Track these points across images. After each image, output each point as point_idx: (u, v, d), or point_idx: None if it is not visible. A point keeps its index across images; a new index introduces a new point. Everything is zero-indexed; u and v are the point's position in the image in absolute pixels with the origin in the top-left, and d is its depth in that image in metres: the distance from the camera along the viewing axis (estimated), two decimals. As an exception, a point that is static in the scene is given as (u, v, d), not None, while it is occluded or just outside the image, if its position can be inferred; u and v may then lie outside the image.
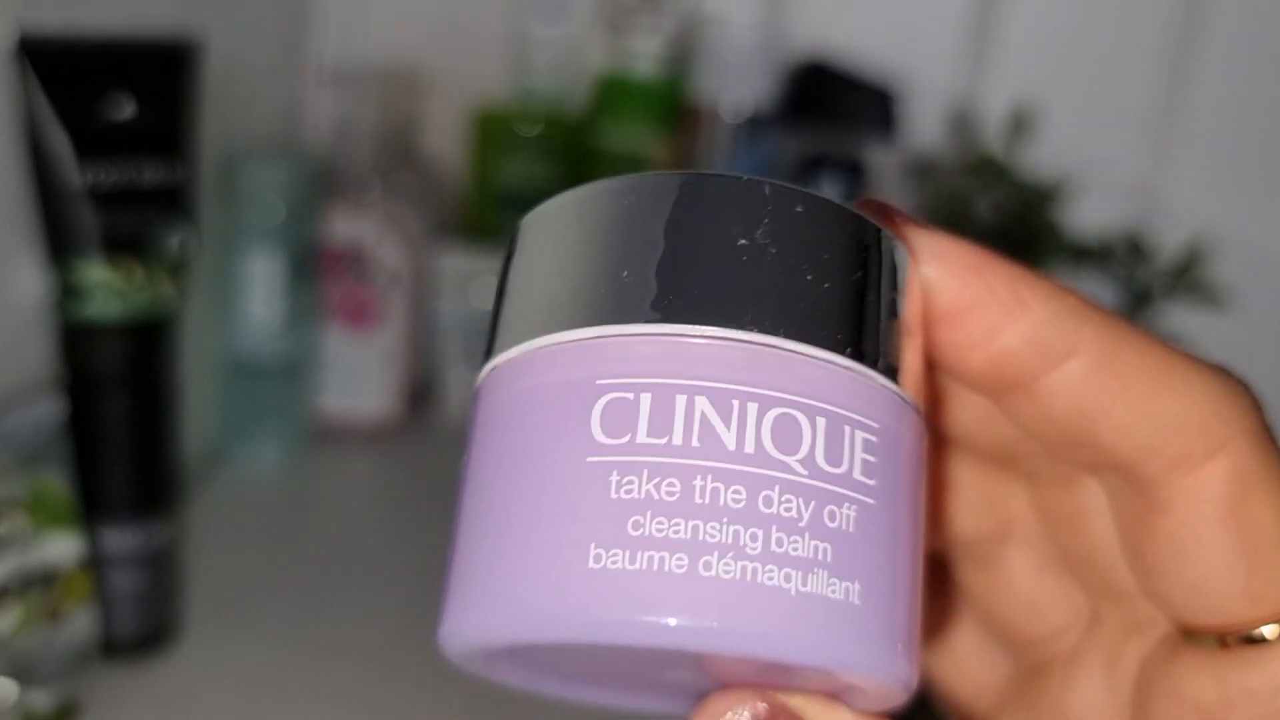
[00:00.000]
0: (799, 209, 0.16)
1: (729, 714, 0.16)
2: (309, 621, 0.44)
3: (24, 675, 0.35)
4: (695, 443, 0.15)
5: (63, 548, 0.36)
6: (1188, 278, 0.55)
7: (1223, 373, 0.17)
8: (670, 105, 0.62)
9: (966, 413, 0.19)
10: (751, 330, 0.15)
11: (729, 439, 0.15)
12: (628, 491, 0.15)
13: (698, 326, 0.15)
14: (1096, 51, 0.65)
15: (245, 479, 0.55)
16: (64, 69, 0.36)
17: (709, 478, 0.15)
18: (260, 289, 0.53)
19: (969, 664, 0.22)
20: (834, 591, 0.15)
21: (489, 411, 0.17)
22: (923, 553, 0.17)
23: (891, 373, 0.16)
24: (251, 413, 0.55)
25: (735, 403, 0.15)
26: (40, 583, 0.35)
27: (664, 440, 0.15)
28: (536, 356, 0.16)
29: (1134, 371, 0.17)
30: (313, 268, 0.56)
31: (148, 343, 0.39)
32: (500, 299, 0.17)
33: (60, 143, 0.36)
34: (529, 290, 0.17)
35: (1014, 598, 0.21)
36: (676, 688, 0.17)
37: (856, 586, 0.15)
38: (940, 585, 0.22)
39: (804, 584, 0.14)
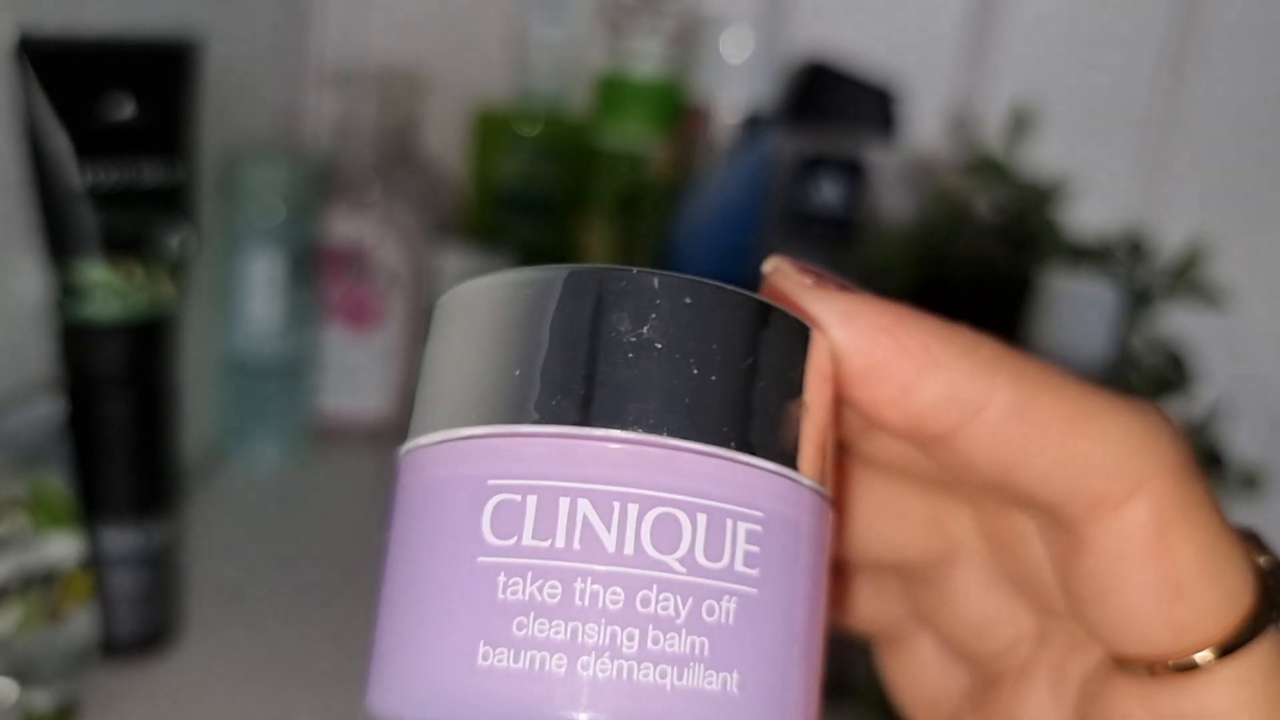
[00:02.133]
0: (687, 300, 0.16)
1: None
2: (309, 621, 0.44)
3: (24, 675, 0.35)
4: (576, 545, 0.15)
5: (63, 548, 0.36)
6: (1187, 278, 0.55)
7: (1142, 410, 0.17)
8: (670, 105, 0.62)
9: (901, 445, 0.20)
10: (635, 429, 0.16)
11: (609, 541, 0.15)
12: (513, 593, 0.15)
13: (583, 427, 0.16)
14: (1096, 52, 0.65)
15: (245, 479, 0.55)
16: (64, 69, 0.36)
17: (589, 580, 0.15)
18: (260, 289, 0.53)
19: (929, 675, 0.22)
20: (710, 683, 0.15)
21: (402, 495, 0.17)
22: (823, 625, 0.17)
23: (781, 456, 0.16)
24: (251, 413, 0.55)
25: (616, 504, 0.15)
26: (40, 583, 0.35)
27: (547, 543, 0.15)
28: (441, 449, 0.17)
29: (1049, 417, 0.17)
30: (313, 268, 0.56)
31: (148, 343, 0.39)
32: (420, 381, 0.18)
33: (60, 143, 0.36)
34: (438, 377, 0.18)
35: (964, 616, 0.21)
36: None
37: (735, 676, 0.15)
38: (896, 597, 0.22)
39: (679, 678, 0.15)
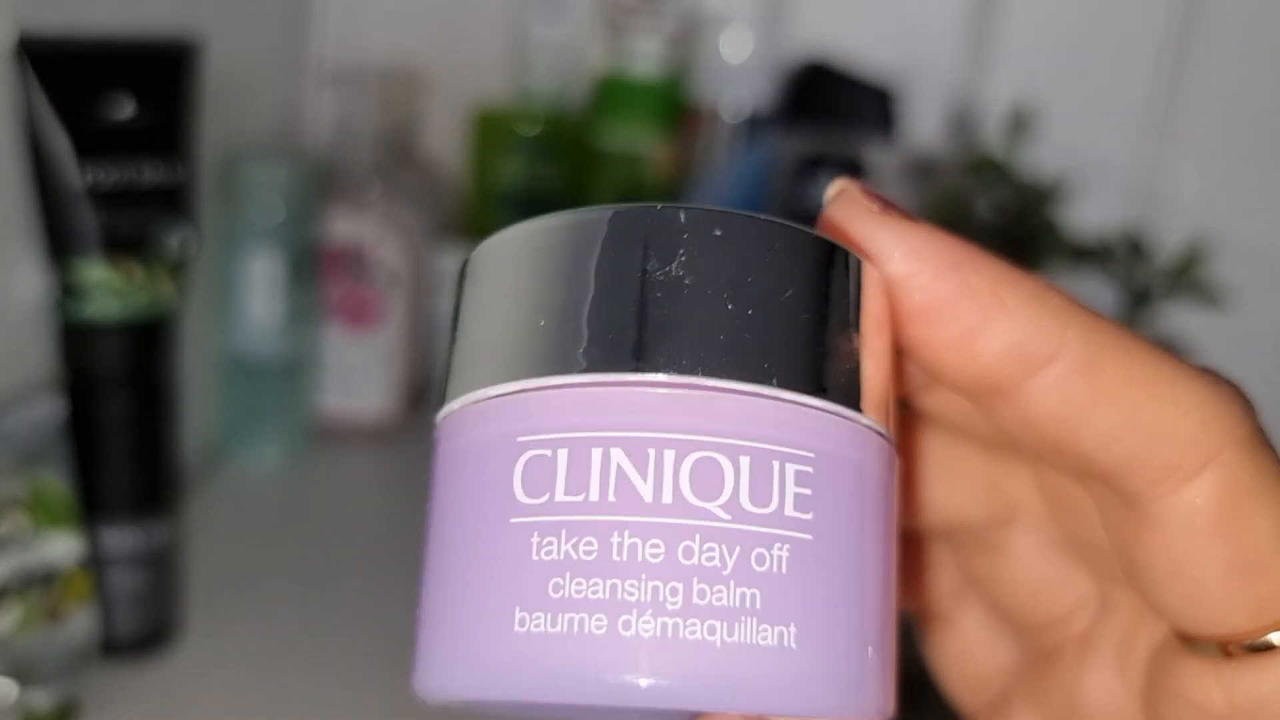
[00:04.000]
0: (717, 232, 0.15)
1: None
2: (309, 621, 0.44)
3: (24, 675, 0.35)
4: (611, 498, 0.14)
5: (63, 547, 0.36)
6: (1187, 278, 0.55)
7: (1214, 378, 0.16)
8: (670, 105, 0.62)
9: (962, 401, 0.19)
10: (667, 371, 0.15)
11: (645, 491, 0.14)
12: (548, 553, 0.14)
13: (613, 374, 0.15)
14: (1096, 51, 0.65)
15: (245, 479, 0.55)
16: (64, 69, 0.36)
17: (626, 533, 0.14)
18: (260, 289, 0.53)
19: (975, 651, 0.21)
20: (765, 638, 0.14)
21: (438, 464, 0.17)
22: (893, 573, 0.16)
23: (836, 394, 0.15)
24: (251, 412, 0.55)
25: (651, 452, 0.14)
26: (40, 582, 0.35)
27: (581, 497, 0.14)
28: (471, 411, 0.16)
29: (1120, 378, 0.16)
30: (313, 268, 0.56)
31: (148, 342, 0.39)
32: (451, 342, 0.17)
33: (60, 142, 0.36)
34: (469, 337, 0.17)
35: (1021, 581, 0.20)
36: (661, 716, 0.17)
37: (792, 629, 0.14)
38: (944, 572, 0.22)
39: (730, 634, 0.14)
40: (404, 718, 0.40)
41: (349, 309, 0.59)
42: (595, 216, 0.16)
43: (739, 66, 0.62)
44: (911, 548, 0.22)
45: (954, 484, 0.20)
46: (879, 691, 0.15)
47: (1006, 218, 0.56)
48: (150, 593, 0.40)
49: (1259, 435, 0.16)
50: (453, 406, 0.16)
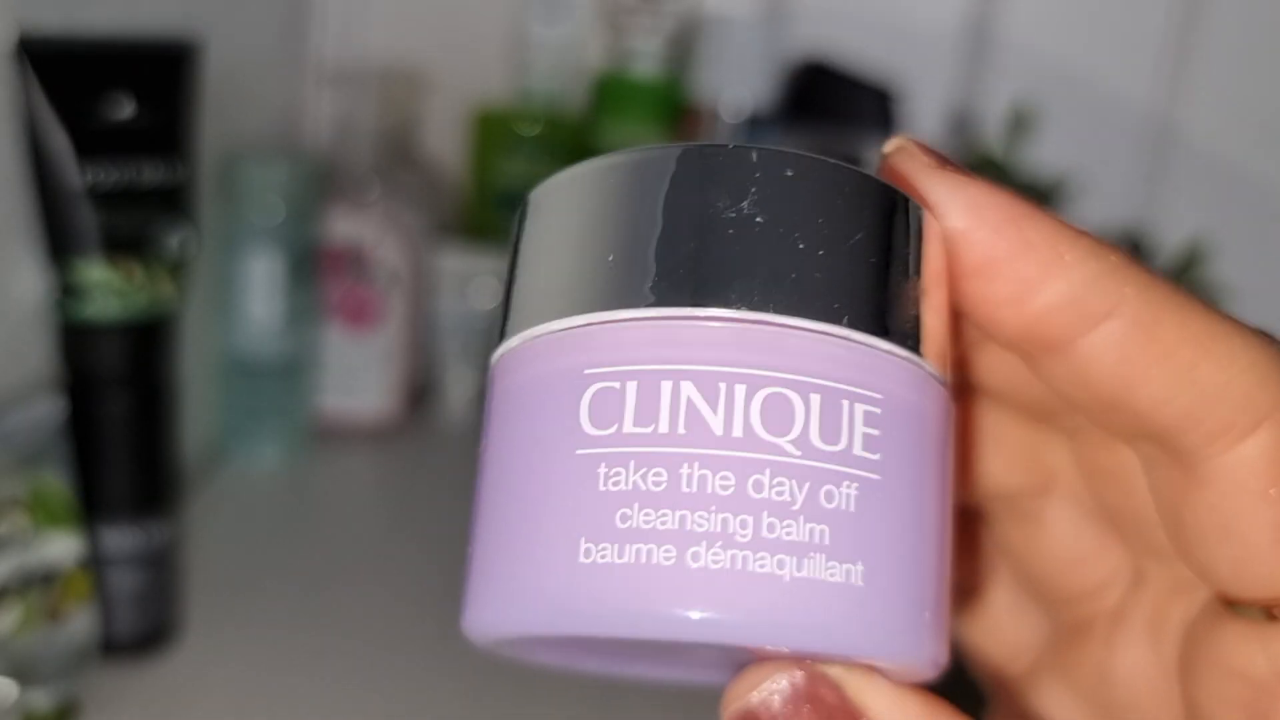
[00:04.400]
0: (789, 173, 0.15)
1: (767, 683, 0.15)
2: (309, 621, 0.44)
3: (24, 675, 0.35)
4: (681, 430, 0.14)
5: (63, 547, 0.36)
6: (1187, 278, 0.55)
7: (1268, 339, 0.16)
8: (670, 105, 0.62)
9: (1004, 366, 0.19)
10: (738, 307, 0.15)
11: (716, 424, 0.14)
12: (615, 483, 0.14)
13: (683, 308, 0.15)
14: (1096, 51, 0.65)
15: (245, 479, 0.55)
16: (64, 69, 0.36)
17: (695, 465, 0.14)
18: (260, 289, 0.53)
19: (1005, 625, 0.21)
20: (833, 574, 0.14)
21: (495, 400, 0.16)
22: (950, 522, 0.16)
23: (902, 338, 0.15)
24: (251, 412, 0.55)
25: (722, 385, 0.14)
26: (40, 582, 0.35)
27: (650, 429, 0.14)
28: (533, 346, 0.16)
29: (1176, 336, 0.16)
30: (313, 268, 0.56)
31: (148, 342, 0.39)
32: (509, 281, 0.17)
33: (60, 142, 0.36)
34: (529, 274, 0.17)
35: (1054, 552, 0.20)
36: (716, 659, 0.17)
37: (859, 568, 0.14)
38: (973, 544, 0.21)
39: (799, 569, 0.14)
40: (404, 717, 0.40)
41: (349, 309, 0.59)
42: (662, 153, 0.16)
43: (739, 66, 0.62)
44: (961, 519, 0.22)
45: (993, 452, 0.20)
46: (935, 641, 0.15)
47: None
48: (150, 593, 0.40)
49: None
50: (512, 344, 0.16)
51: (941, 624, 0.16)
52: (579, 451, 0.15)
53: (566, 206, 0.16)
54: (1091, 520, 0.20)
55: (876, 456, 0.15)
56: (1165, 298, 0.16)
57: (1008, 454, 0.20)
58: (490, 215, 0.65)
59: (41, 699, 0.35)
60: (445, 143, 0.67)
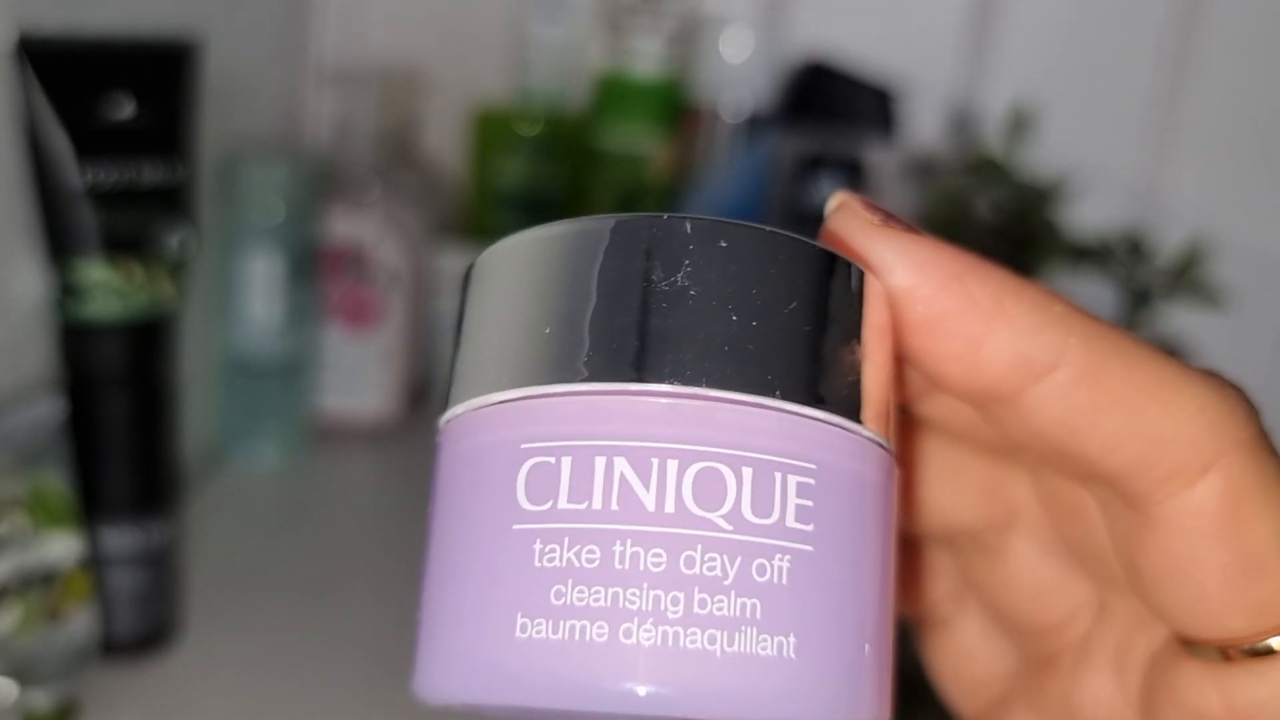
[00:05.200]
0: (723, 244, 0.15)
1: None
2: (309, 621, 0.44)
3: (24, 675, 0.35)
4: (614, 506, 0.14)
5: (63, 547, 0.36)
6: (1187, 277, 0.55)
7: (1217, 382, 0.17)
8: (670, 105, 0.62)
9: (963, 408, 0.19)
10: (671, 381, 0.15)
11: (648, 500, 0.14)
12: (550, 560, 0.14)
13: (617, 383, 0.15)
14: (1096, 51, 0.65)
15: (245, 479, 0.55)
16: (64, 69, 0.36)
17: (628, 542, 0.14)
18: (260, 289, 0.53)
19: (974, 656, 0.22)
20: (765, 648, 0.14)
21: (440, 466, 0.17)
22: (892, 582, 0.16)
23: (838, 405, 0.15)
24: (251, 412, 0.55)
25: (655, 461, 0.15)
26: (40, 582, 0.35)
27: (584, 505, 0.15)
28: (475, 416, 0.16)
29: (1122, 384, 0.16)
30: (313, 268, 0.56)
31: (148, 342, 0.39)
32: (454, 346, 0.17)
33: (60, 142, 0.36)
34: (474, 342, 0.17)
35: (1019, 586, 0.20)
36: None
37: (792, 639, 0.14)
38: (942, 576, 0.22)
39: (730, 644, 0.14)
40: (403, 715, 0.40)
41: (349, 309, 0.59)
42: (598, 225, 0.16)
43: (739, 66, 0.62)
44: (912, 553, 0.22)
45: (954, 488, 0.20)
46: (875, 703, 0.15)
47: (1006, 218, 0.56)
48: (150, 593, 0.40)
49: (1262, 439, 0.16)
50: (456, 411, 0.16)
51: (882, 685, 0.16)
52: (515, 527, 0.15)
53: (508, 275, 0.17)
54: (1055, 554, 0.20)
55: (810, 527, 0.15)
56: (1111, 346, 0.16)
57: (970, 490, 0.20)
58: (490, 215, 0.65)
59: (41, 699, 0.35)
60: (445, 143, 0.67)
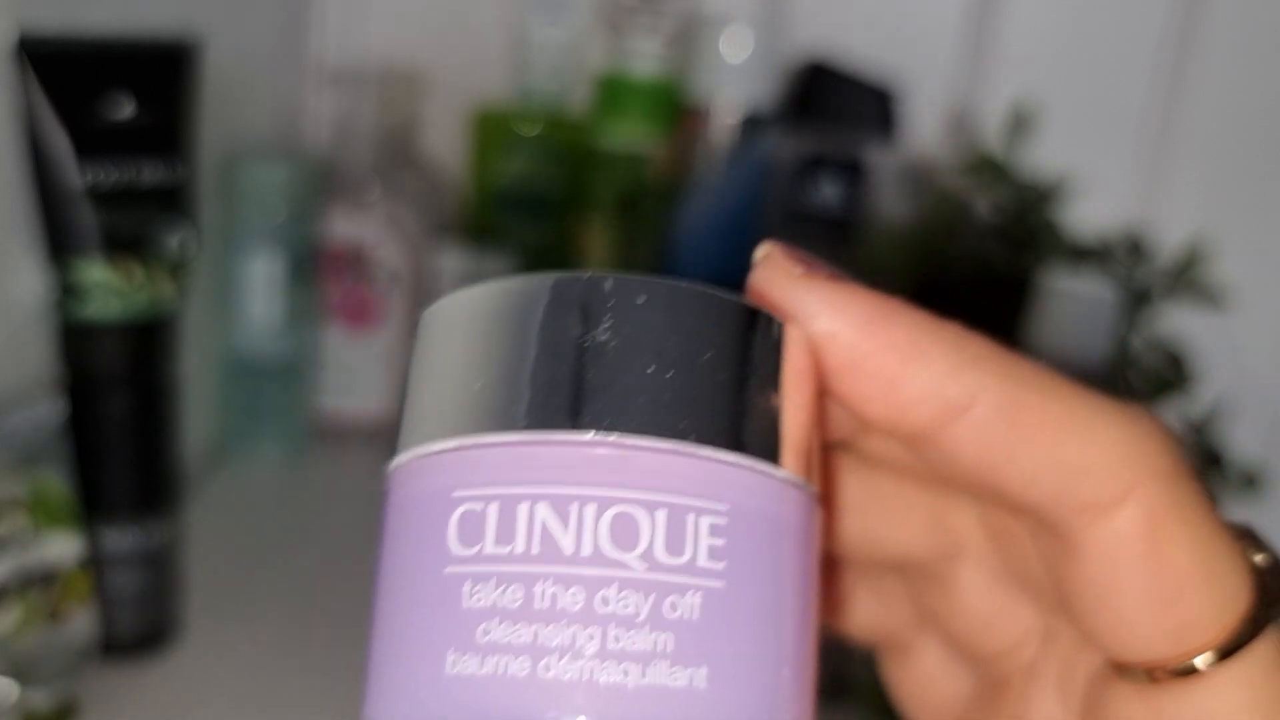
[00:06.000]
0: (641, 300, 0.16)
1: None
2: (309, 621, 0.44)
3: (24, 675, 0.35)
4: (535, 549, 0.15)
5: (63, 547, 0.36)
6: (1187, 278, 0.55)
7: (1133, 414, 0.17)
8: (670, 105, 0.62)
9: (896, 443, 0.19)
10: (589, 430, 0.16)
11: (567, 543, 0.15)
12: (478, 600, 0.15)
13: (540, 432, 0.16)
14: (1096, 52, 0.65)
15: (245, 479, 0.55)
16: (64, 69, 0.36)
17: (549, 582, 0.15)
18: (260, 289, 0.53)
19: (935, 681, 0.22)
20: (676, 680, 0.15)
21: (386, 511, 0.18)
22: (813, 617, 0.17)
23: (753, 448, 0.16)
24: (251, 412, 0.55)
25: (574, 506, 0.15)
26: (40, 582, 0.35)
27: (508, 549, 0.15)
28: (415, 464, 0.17)
29: (1038, 419, 0.17)
30: (313, 268, 0.56)
31: (148, 342, 0.39)
32: (404, 395, 0.18)
33: (60, 142, 0.36)
34: (418, 392, 0.18)
35: (970, 614, 0.21)
36: None
37: (703, 671, 0.15)
38: (900, 603, 0.22)
39: (643, 676, 0.15)
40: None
41: (349, 309, 0.59)
42: (538, 284, 0.17)
43: (739, 66, 0.62)
44: (868, 581, 0.22)
45: (899, 520, 0.21)
46: None
47: (1006, 218, 0.56)
48: (150, 592, 0.40)
49: (1179, 468, 0.17)
50: (401, 460, 0.17)
51: (800, 715, 0.16)
52: (447, 570, 0.16)
53: (452, 329, 0.18)
54: (1001, 582, 0.21)
55: (721, 565, 0.16)
56: (1027, 382, 0.17)
57: (914, 521, 0.21)
58: (490, 216, 0.65)
59: (41, 699, 0.35)
60: (445, 143, 0.67)
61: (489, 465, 0.16)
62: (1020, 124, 0.57)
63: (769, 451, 0.16)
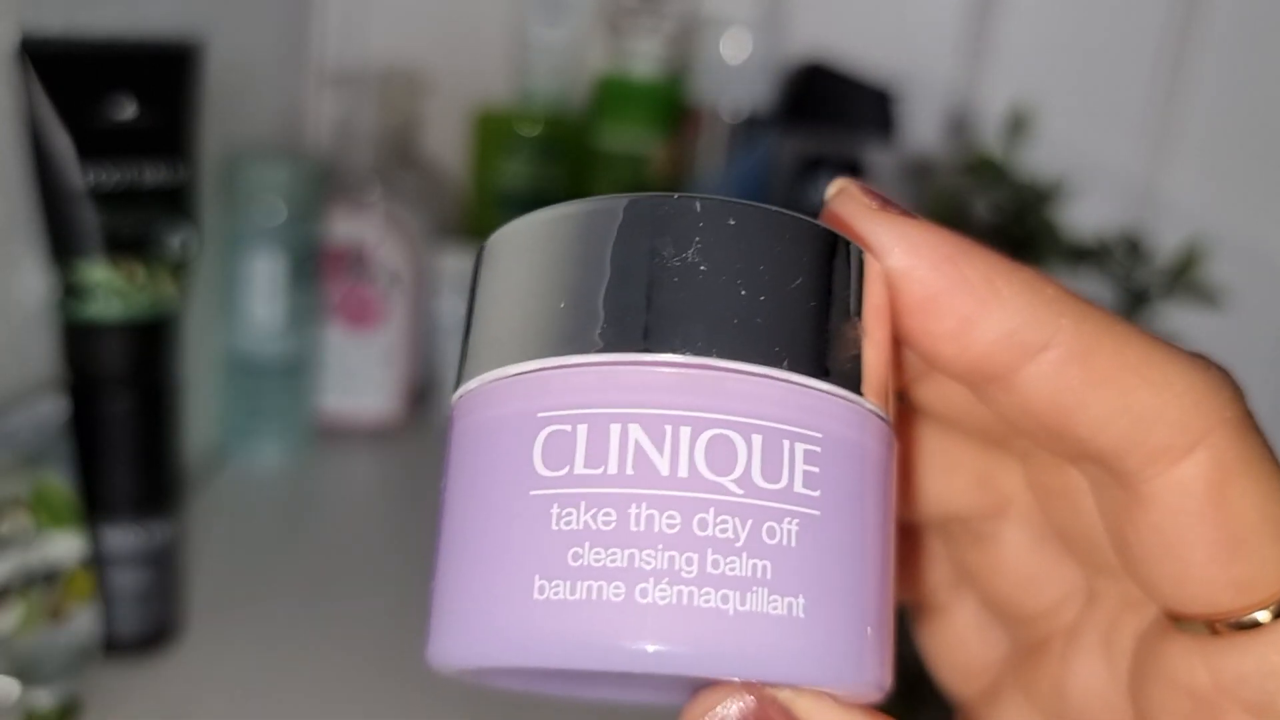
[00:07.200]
0: (731, 222, 0.16)
1: (719, 708, 0.16)
2: (310, 620, 0.44)
3: (26, 674, 0.35)
4: (629, 471, 0.15)
5: (65, 547, 0.36)
6: (1185, 278, 0.55)
7: (1203, 363, 0.17)
8: (670, 106, 0.62)
9: (954, 394, 0.19)
10: (683, 352, 0.15)
11: (662, 465, 0.15)
12: (567, 523, 0.15)
13: (631, 354, 0.15)
14: (1095, 51, 0.65)
15: (246, 478, 0.55)
16: (66, 70, 0.36)
17: (644, 505, 0.15)
18: (261, 289, 0.53)
19: (968, 643, 0.22)
20: (775, 607, 0.15)
21: (454, 441, 0.17)
22: (893, 551, 0.17)
23: (841, 378, 0.16)
24: (253, 412, 0.55)
25: (668, 428, 0.15)
26: (42, 582, 0.35)
27: (600, 470, 0.15)
28: (490, 389, 0.16)
29: (1112, 364, 0.17)
30: (314, 268, 0.56)
31: (150, 342, 0.39)
32: (467, 324, 0.18)
33: (62, 143, 0.36)
34: (487, 319, 0.17)
35: (1011, 573, 0.21)
36: (673, 683, 0.17)
37: (801, 600, 0.15)
38: (937, 563, 0.22)
39: (742, 603, 0.15)
40: (404, 714, 0.40)
41: (350, 309, 0.59)
42: (610, 205, 0.16)
43: (739, 67, 0.62)
44: (908, 539, 0.22)
45: (947, 475, 0.21)
46: (878, 665, 0.16)
47: (1005, 218, 0.56)
48: (152, 592, 0.40)
49: (1247, 418, 0.17)
50: (470, 386, 0.17)
51: (885, 649, 0.16)
52: (533, 492, 0.15)
53: (521, 254, 0.17)
54: (1045, 541, 0.20)
55: (816, 493, 0.15)
56: (1102, 327, 0.17)
57: (962, 478, 0.21)
58: (491, 216, 0.65)
59: (43, 698, 0.35)
60: (446, 144, 0.67)
61: (576, 386, 0.16)
62: (1019, 124, 0.57)
63: (854, 382, 0.16)
